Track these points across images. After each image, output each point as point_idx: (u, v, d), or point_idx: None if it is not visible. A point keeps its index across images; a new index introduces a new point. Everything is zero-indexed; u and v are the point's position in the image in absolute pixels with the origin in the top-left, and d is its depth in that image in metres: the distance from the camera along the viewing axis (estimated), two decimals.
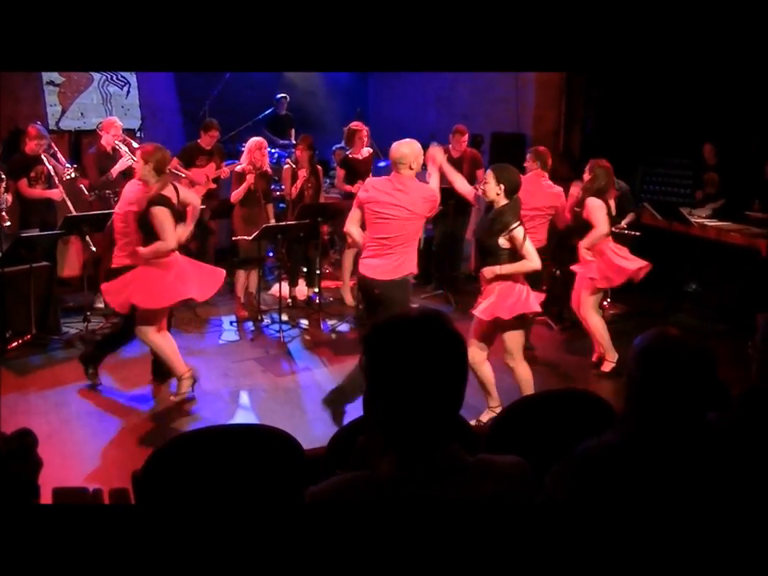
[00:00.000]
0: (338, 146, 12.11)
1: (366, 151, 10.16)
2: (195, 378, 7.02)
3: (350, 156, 10.07)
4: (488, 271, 6.19)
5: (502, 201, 6.10)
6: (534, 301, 6.27)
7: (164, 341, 6.85)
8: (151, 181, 6.58)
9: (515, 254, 6.13)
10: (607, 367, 7.90)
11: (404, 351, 2.00)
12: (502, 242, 6.10)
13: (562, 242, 8.82)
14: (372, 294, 6.30)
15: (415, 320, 2.10)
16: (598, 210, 7.61)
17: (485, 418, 6.47)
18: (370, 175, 10.07)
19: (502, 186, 6.06)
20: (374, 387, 2.06)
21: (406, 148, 6.22)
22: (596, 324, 7.91)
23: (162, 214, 6.45)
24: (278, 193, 10.55)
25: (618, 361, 7.83)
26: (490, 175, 6.17)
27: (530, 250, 6.10)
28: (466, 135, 10.46)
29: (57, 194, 9.12)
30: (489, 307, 6.21)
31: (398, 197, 6.13)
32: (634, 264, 7.84)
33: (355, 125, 10.12)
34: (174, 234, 6.54)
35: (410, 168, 6.19)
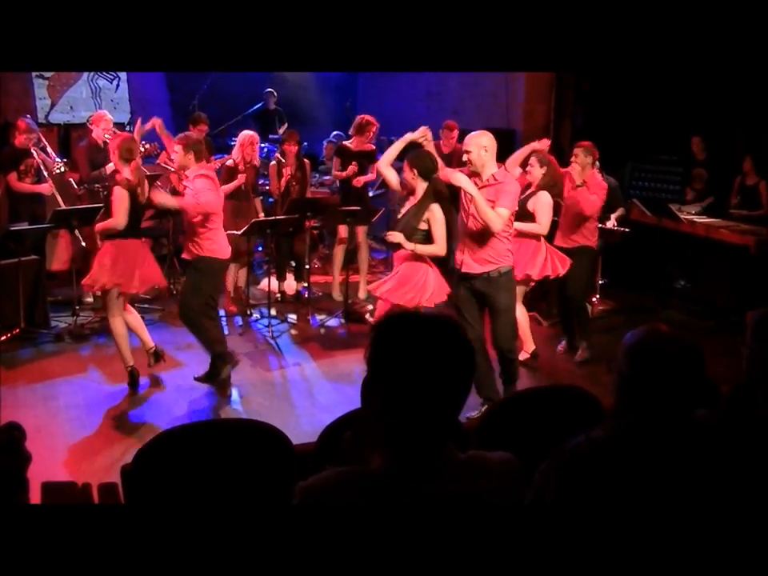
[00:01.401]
0: (329, 139, 12.08)
1: (367, 146, 10.05)
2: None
3: (344, 145, 10.01)
4: (392, 235, 6.50)
5: (420, 183, 6.39)
6: (432, 293, 6.55)
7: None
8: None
9: (429, 237, 6.43)
10: (523, 357, 7.98)
11: (412, 348, 1.98)
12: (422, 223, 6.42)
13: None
14: None
15: (428, 320, 2.09)
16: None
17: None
18: (374, 168, 10.00)
19: (415, 171, 6.34)
20: (376, 379, 2.05)
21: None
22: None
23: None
24: (266, 188, 10.53)
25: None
26: (405, 164, 6.46)
27: (439, 234, 6.39)
28: (456, 131, 10.46)
29: (46, 188, 9.10)
30: (387, 291, 6.59)
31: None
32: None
33: (369, 117, 10.01)
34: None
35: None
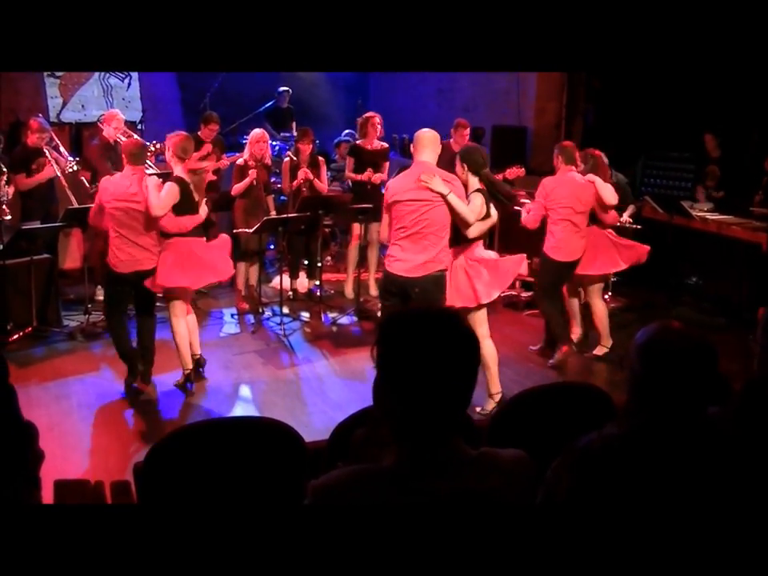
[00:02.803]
0: (340, 138, 12.07)
1: (379, 144, 10.02)
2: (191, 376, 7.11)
3: (359, 144, 9.99)
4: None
5: (471, 178, 6.40)
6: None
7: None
8: None
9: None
10: (600, 351, 8.18)
11: (417, 344, 1.99)
12: None
13: None
14: (410, 292, 6.23)
15: (431, 315, 2.09)
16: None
17: (488, 407, 6.57)
18: (386, 167, 9.98)
19: (465, 166, 6.38)
20: (385, 378, 2.06)
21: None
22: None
23: None
24: (278, 186, 10.53)
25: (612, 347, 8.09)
26: (457, 160, 6.50)
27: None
28: (468, 129, 10.44)
29: (51, 171, 9.01)
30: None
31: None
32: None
33: (367, 114, 10.04)
34: None
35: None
